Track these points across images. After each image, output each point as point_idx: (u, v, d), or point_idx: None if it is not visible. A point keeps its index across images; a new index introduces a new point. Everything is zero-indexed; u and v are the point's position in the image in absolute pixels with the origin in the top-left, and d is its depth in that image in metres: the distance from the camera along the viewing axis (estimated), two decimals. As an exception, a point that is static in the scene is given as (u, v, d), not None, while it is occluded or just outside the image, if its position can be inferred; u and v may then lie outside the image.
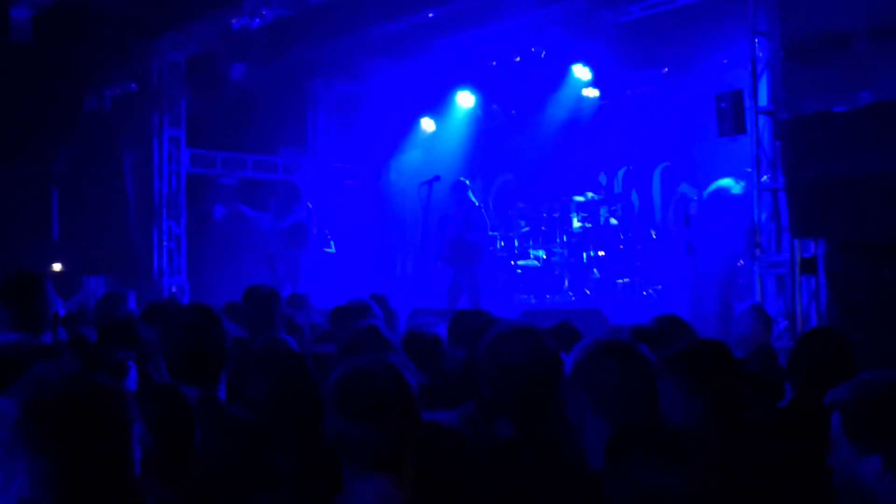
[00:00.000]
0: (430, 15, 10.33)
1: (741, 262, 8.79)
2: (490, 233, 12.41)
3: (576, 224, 11.37)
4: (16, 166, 12.27)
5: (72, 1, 10.51)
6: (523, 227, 11.76)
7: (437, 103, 13.04)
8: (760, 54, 6.98)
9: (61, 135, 12.49)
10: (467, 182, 9.87)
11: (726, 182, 9.44)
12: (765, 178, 7.04)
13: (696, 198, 8.49)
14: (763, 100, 6.84)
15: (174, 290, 12.03)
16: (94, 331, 4.21)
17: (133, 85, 12.46)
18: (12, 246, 11.95)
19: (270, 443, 2.71)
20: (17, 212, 12.36)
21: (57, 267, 12.61)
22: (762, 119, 6.90)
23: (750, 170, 8.60)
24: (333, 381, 2.16)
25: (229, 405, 3.09)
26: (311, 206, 11.04)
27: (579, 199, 11.55)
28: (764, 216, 7.00)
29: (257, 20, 10.23)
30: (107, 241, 12.56)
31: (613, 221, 11.38)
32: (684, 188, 9.89)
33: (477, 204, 9.77)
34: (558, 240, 11.43)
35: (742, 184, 9.23)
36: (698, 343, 2.52)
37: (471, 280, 9.37)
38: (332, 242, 11.54)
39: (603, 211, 11.44)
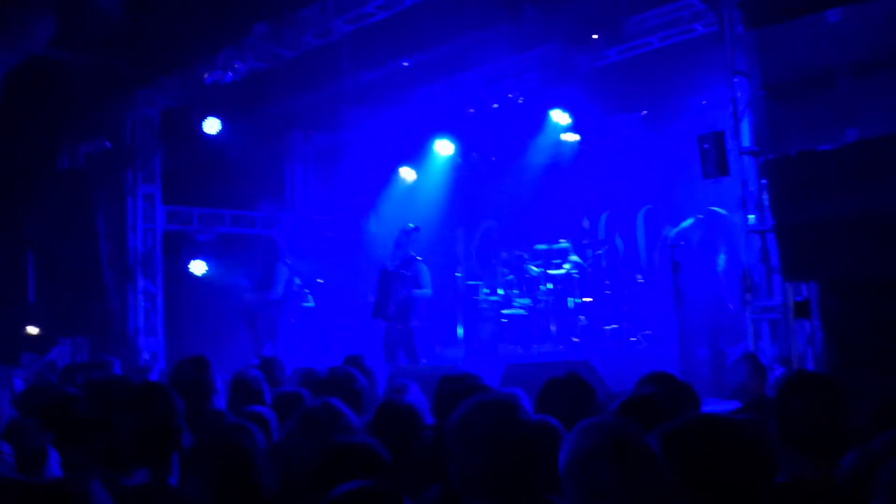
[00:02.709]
0: (405, 64, 10.24)
1: (730, 306, 8.62)
2: (469, 281, 12.21)
3: (560, 270, 11.18)
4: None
5: (43, 57, 10.34)
6: (507, 276, 11.55)
7: (416, 152, 12.92)
8: (740, 94, 6.87)
9: (35, 194, 12.27)
10: (410, 231, 9.43)
11: (687, 223, 9.34)
12: (752, 217, 6.88)
13: (682, 243, 8.32)
14: (746, 140, 6.71)
15: (146, 356, 11.68)
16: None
17: (106, 142, 12.26)
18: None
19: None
20: (-9, 273, 12.10)
21: (33, 330, 12.29)
22: (746, 160, 6.76)
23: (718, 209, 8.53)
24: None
25: (178, 491, 2.84)
26: (289, 261, 10.80)
27: (563, 244, 11.38)
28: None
29: (230, 74, 10.09)
30: (82, 302, 12.29)
31: (602, 264, 11.20)
32: (669, 232, 9.73)
33: (418, 258, 9.39)
34: (543, 287, 11.22)
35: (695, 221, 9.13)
36: (692, 429, 2.23)
37: (405, 335, 9.05)
38: (310, 297, 11.27)
39: (588, 256, 11.25)
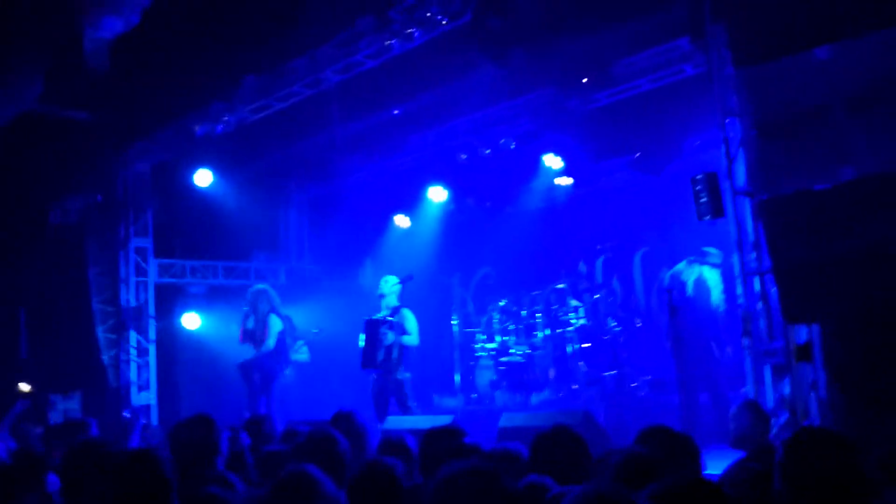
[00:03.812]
0: (396, 112, 10.22)
1: (729, 349, 8.46)
2: (465, 328, 12.03)
3: (558, 316, 11.04)
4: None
5: (33, 113, 10.33)
6: (505, 323, 11.40)
7: (409, 200, 12.87)
8: (732, 134, 6.79)
9: (27, 249, 12.18)
10: (392, 281, 9.26)
11: (679, 267, 9.22)
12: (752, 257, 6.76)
13: (677, 286, 8.18)
14: (740, 180, 6.61)
15: (127, 414, 11.46)
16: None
17: (98, 196, 12.20)
18: (-21, 366, 11.52)
19: None
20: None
21: (25, 387, 12.11)
22: (741, 200, 6.66)
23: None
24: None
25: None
26: (283, 313, 10.65)
27: (560, 289, 11.25)
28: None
29: (221, 126, 10.06)
30: (74, 357, 12.16)
31: (600, 308, 11.05)
32: (665, 275, 9.61)
33: (402, 307, 9.20)
34: (541, 334, 11.06)
35: (689, 264, 9.01)
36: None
37: (397, 385, 8.86)
38: (305, 349, 11.11)
39: (585, 300, 11.11)
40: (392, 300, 9.15)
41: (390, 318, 8.98)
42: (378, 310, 9.20)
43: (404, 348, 8.93)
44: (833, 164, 5.95)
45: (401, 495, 2.83)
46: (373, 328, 9.00)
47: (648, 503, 1.92)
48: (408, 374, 8.91)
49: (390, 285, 9.16)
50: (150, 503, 2.77)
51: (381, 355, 8.83)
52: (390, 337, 8.82)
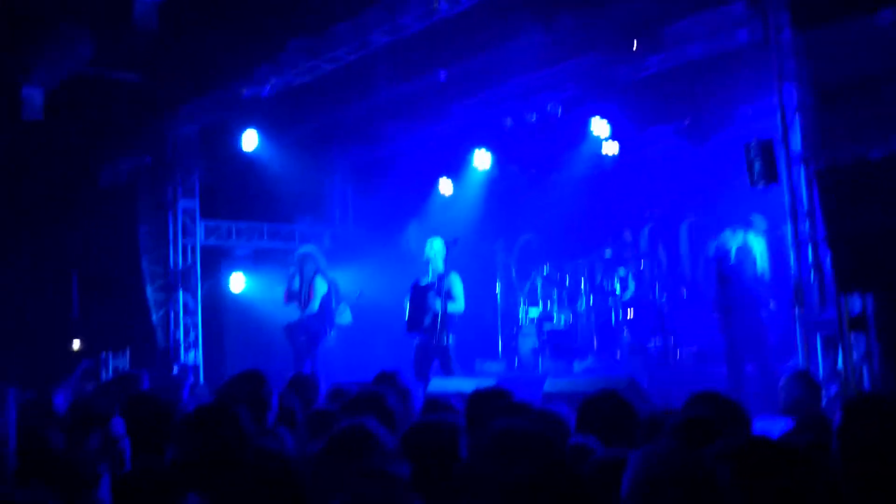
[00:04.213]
0: (442, 76, 10.14)
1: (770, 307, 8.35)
2: (508, 294, 12.03)
3: (602, 284, 10.97)
4: (35, 247, 12.21)
5: (83, 77, 10.46)
6: (548, 290, 11.37)
7: (454, 165, 12.83)
8: (788, 100, 6.64)
9: (78, 211, 12.43)
10: (444, 243, 9.24)
11: (724, 236, 9.07)
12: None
13: (732, 254, 8.04)
14: (796, 147, 6.47)
15: (176, 371, 11.69)
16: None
17: (147, 158, 12.36)
18: (34, 325, 11.82)
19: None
20: (37, 291, 12.27)
21: (76, 345, 12.44)
22: (795, 167, 6.53)
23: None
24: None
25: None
26: (329, 276, 10.74)
27: (605, 257, 11.17)
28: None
29: (267, 89, 10.09)
30: (124, 317, 12.42)
31: (645, 277, 10.96)
32: (711, 245, 9.46)
33: (450, 272, 9.13)
34: (584, 301, 11.01)
35: (733, 232, 8.87)
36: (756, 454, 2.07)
37: (441, 351, 8.87)
38: (348, 311, 11.20)
39: (630, 269, 11.02)
40: (439, 264, 9.13)
41: (438, 284, 8.98)
42: (424, 274, 9.20)
43: (450, 314, 8.94)
44: (890, 133, 5.78)
45: (459, 450, 2.85)
46: (420, 292, 9.02)
47: (718, 463, 1.90)
48: (453, 338, 8.93)
49: (436, 248, 9.15)
50: (226, 458, 2.81)
51: (427, 320, 8.85)
52: (437, 304, 8.83)
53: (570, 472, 2.06)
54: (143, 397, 4.03)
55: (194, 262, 12.31)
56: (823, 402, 5.56)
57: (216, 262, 12.84)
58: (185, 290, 12.21)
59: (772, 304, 9.31)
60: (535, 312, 11.30)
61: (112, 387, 6.27)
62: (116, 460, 3.11)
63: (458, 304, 9.03)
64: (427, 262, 9.18)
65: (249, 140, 11.68)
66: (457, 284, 9.06)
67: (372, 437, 2.67)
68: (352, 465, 2.31)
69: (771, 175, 6.44)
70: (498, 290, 12.30)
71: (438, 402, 4.26)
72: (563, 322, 10.97)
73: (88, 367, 10.15)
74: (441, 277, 9.07)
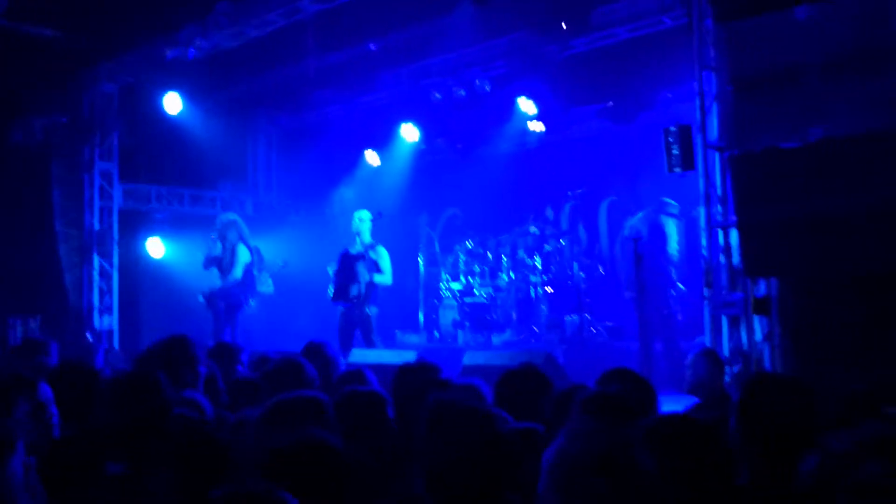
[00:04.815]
0: (372, 47, 10.10)
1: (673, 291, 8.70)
2: (431, 267, 12.14)
3: (523, 260, 11.17)
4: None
5: (-1, 29, 10.03)
6: (470, 264, 11.51)
7: (381, 137, 12.80)
8: (708, 88, 6.86)
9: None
10: (371, 216, 9.30)
11: (638, 216, 9.40)
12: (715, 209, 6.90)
13: (644, 235, 8.31)
14: (712, 135, 6.71)
15: (89, 338, 11.44)
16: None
17: (63, 117, 11.95)
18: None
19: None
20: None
21: (-16, 307, 12.02)
22: (711, 154, 6.77)
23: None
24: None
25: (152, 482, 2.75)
26: (253, 245, 10.63)
27: (528, 232, 11.35)
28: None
29: (193, 51, 9.87)
30: (35, 279, 12.04)
31: (564, 254, 11.20)
32: (633, 222, 9.74)
33: (377, 245, 9.24)
34: (505, 276, 11.19)
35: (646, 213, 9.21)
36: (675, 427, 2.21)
37: (364, 320, 8.97)
38: (270, 281, 11.12)
39: (550, 246, 11.24)
40: (367, 236, 9.20)
41: (365, 255, 9.03)
42: (352, 245, 9.24)
43: (375, 285, 9.02)
44: (804, 124, 6.05)
45: (384, 421, 2.92)
46: (348, 262, 9.05)
47: (644, 440, 2.00)
48: (375, 310, 9.02)
49: (364, 221, 9.19)
50: (149, 425, 2.83)
51: (353, 290, 8.90)
52: (365, 275, 8.89)
53: (508, 446, 2.16)
54: (67, 364, 3.98)
55: (111, 226, 12.02)
56: (727, 380, 5.84)
57: (134, 226, 12.55)
58: (100, 254, 11.92)
59: (679, 285, 9.69)
60: (456, 286, 11.43)
61: (20, 353, 6.11)
62: (46, 426, 3.08)
63: (385, 277, 9.12)
64: (356, 235, 9.21)
65: (172, 103, 11.41)
66: (384, 257, 9.14)
67: (312, 404, 2.72)
68: (290, 432, 2.35)
69: (688, 162, 6.67)
70: (420, 262, 12.39)
71: (352, 374, 4.28)
72: (483, 296, 11.13)
73: None
74: (368, 249, 9.12)
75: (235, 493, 1.92)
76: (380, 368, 4.62)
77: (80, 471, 2.56)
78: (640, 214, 9.36)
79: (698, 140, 6.74)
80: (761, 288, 6.29)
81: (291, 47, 10.22)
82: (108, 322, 11.93)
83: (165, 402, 2.90)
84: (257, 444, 2.45)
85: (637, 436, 2.01)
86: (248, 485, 1.99)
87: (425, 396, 2.62)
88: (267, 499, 1.96)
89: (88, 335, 11.51)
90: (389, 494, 2.44)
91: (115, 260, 12.02)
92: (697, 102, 6.81)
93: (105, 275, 11.97)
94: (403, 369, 3.74)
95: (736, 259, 6.43)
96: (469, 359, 6.76)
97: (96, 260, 11.88)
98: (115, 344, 11.86)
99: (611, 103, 10.98)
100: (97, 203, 11.93)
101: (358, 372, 4.20)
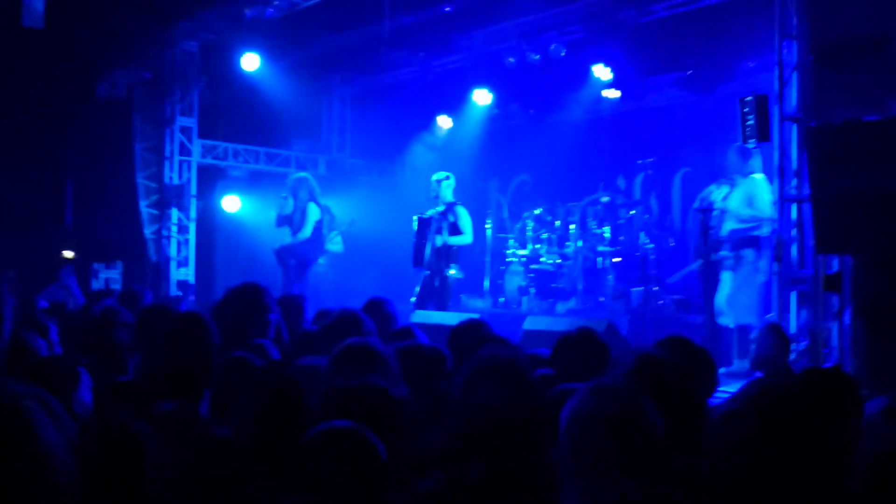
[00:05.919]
0: (447, 9, 10.06)
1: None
2: (499, 233, 12.13)
3: (592, 229, 11.07)
4: (30, 154, 12.22)
5: (85, -15, 10.34)
6: (538, 231, 11.47)
7: (454, 101, 12.77)
8: (787, 58, 6.66)
9: (74, 121, 12.40)
10: (445, 178, 9.28)
11: (709, 189, 9.13)
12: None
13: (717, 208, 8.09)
14: (790, 106, 6.52)
15: (173, 287, 11.83)
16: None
17: (146, 73, 12.29)
18: (27, 232, 11.92)
19: (248, 464, 2.49)
20: (31, 199, 12.33)
21: (69, 254, 12.55)
22: (788, 126, 6.58)
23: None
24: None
25: (209, 422, 2.89)
26: (323, 203, 10.81)
27: (599, 201, 11.22)
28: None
29: (271, 10, 10.01)
30: (117, 229, 12.52)
31: (635, 225, 11.03)
32: (703, 194, 9.54)
33: (456, 205, 9.19)
34: (573, 245, 11.13)
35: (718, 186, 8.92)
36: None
37: (442, 284, 8.95)
38: (339, 239, 11.30)
39: (620, 215, 11.11)
40: (448, 195, 9.22)
41: (442, 217, 9.02)
42: (431, 207, 9.26)
43: (450, 248, 9.01)
44: (887, 97, 5.84)
45: (443, 373, 3.02)
46: (423, 227, 9.08)
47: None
48: (456, 272, 8.99)
49: (443, 182, 9.21)
50: (196, 364, 2.96)
51: (427, 253, 8.93)
52: (439, 239, 8.91)
53: (535, 396, 2.20)
54: (155, 308, 4.24)
55: (189, 181, 12.36)
56: (792, 356, 5.74)
57: (211, 182, 12.88)
58: (178, 208, 12.29)
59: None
60: (523, 252, 11.42)
61: (125, 300, 6.45)
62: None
63: (465, 237, 9.14)
64: (434, 198, 9.24)
65: (250, 61, 11.61)
66: (463, 217, 9.15)
67: (377, 356, 2.81)
68: (357, 379, 2.44)
69: (763, 133, 6.50)
70: (488, 228, 12.41)
71: (401, 331, 4.33)
72: (550, 263, 11.10)
73: (67, 276, 10.26)
74: (448, 209, 9.12)
75: (329, 430, 2.02)
76: (437, 328, 4.69)
77: (134, 408, 2.70)
78: (712, 186, 9.14)
79: (775, 111, 6.55)
80: (833, 265, 6.13)
81: (367, 8, 10.26)
82: (185, 274, 12.33)
83: (211, 345, 3.03)
84: (326, 387, 2.54)
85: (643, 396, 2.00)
86: (335, 423, 2.08)
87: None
88: (354, 436, 2.06)
89: (168, 285, 11.92)
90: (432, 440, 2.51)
91: (193, 214, 12.37)
92: (776, 72, 6.61)
93: (182, 228, 12.34)
94: (458, 328, 3.79)
95: (808, 234, 6.28)
96: (530, 324, 6.78)
97: (175, 213, 12.25)
98: (191, 295, 12.25)
99: (690, 72, 10.71)
100: (177, 158, 12.27)
101: (407, 329, 4.27)
